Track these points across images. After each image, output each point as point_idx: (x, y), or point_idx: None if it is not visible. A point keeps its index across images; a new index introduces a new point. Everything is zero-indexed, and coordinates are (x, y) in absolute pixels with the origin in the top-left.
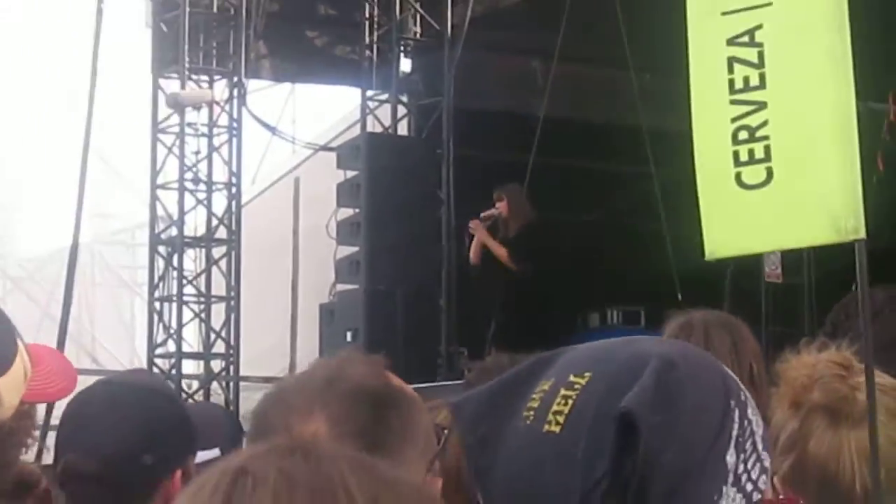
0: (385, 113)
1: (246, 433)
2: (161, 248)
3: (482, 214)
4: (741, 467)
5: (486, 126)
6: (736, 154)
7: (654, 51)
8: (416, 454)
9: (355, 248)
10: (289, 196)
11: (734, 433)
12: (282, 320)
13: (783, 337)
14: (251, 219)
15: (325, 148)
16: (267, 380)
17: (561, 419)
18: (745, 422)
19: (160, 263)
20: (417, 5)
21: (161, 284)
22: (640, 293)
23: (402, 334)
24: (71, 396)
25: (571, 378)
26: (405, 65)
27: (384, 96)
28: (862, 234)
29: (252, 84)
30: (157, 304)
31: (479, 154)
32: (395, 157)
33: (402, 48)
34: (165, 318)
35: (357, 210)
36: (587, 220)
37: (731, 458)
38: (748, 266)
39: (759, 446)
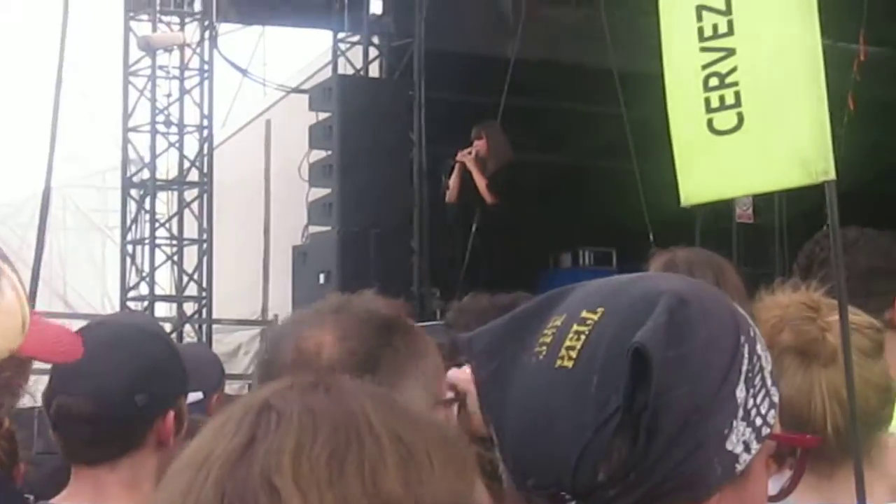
0: (357, 55)
1: (259, 352)
2: (133, 191)
3: (459, 154)
4: (751, 402)
5: (458, 68)
6: (707, 101)
7: None
8: (421, 384)
9: (327, 191)
10: (260, 138)
11: (744, 368)
12: (254, 263)
13: (755, 277)
14: (223, 161)
15: (297, 90)
16: (239, 322)
17: (574, 354)
18: (755, 357)
19: (132, 206)
20: None
21: (133, 227)
22: (612, 234)
23: (374, 276)
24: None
25: (584, 314)
26: (376, 6)
27: (355, 38)
28: (832, 176)
29: (223, 27)
30: (129, 247)
31: (450, 96)
32: (367, 98)
33: None
34: (138, 261)
35: (329, 152)
36: (558, 162)
37: (741, 392)
38: (719, 207)
39: (768, 381)
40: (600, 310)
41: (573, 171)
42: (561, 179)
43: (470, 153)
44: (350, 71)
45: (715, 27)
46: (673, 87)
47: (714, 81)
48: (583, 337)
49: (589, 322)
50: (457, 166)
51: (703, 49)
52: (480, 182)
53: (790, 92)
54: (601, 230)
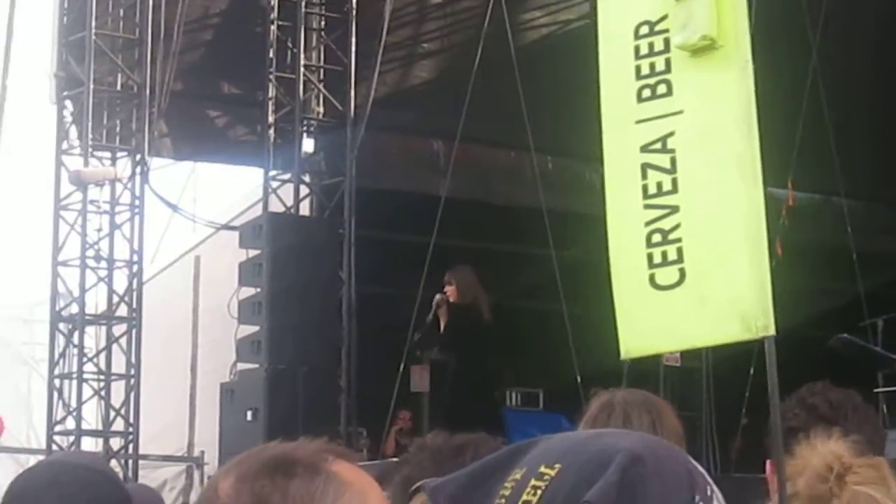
0: (288, 192)
1: None
2: (62, 325)
3: (435, 302)
4: None
5: (389, 206)
6: (650, 256)
7: (556, 134)
8: None
9: (256, 328)
10: (190, 274)
11: None
12: (182, 399)
13: (683, 420)
14: (152, 297)
15: (227, 227)
16: (166, 458)
17: None
18: None
19: (60, 340)
20: (321, 86)
21: (61, 361)
22: (540, 375)
23: (302, 414)
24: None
25: (542, 469)
26: (308, 145)
27: (287, 176)
28: (772, 331)
29: (155, 162)
30: (56, 382)
31: (381, 234)
32: (298, 236)
33: (304, 128)
34: (65, 395)
35: (258, 289)
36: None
37: None
38: None
39: None
40: (557, 465)
41: (502, 310)
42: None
43: (440, 306)
44: (281, 208)
45: (659, 185)
46: (616, 242)
47: (657, 237)
48: (539, 492)
49: (546, 477)
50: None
51: (647, 206)
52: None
53: (732, 249)
54: (529, 371)
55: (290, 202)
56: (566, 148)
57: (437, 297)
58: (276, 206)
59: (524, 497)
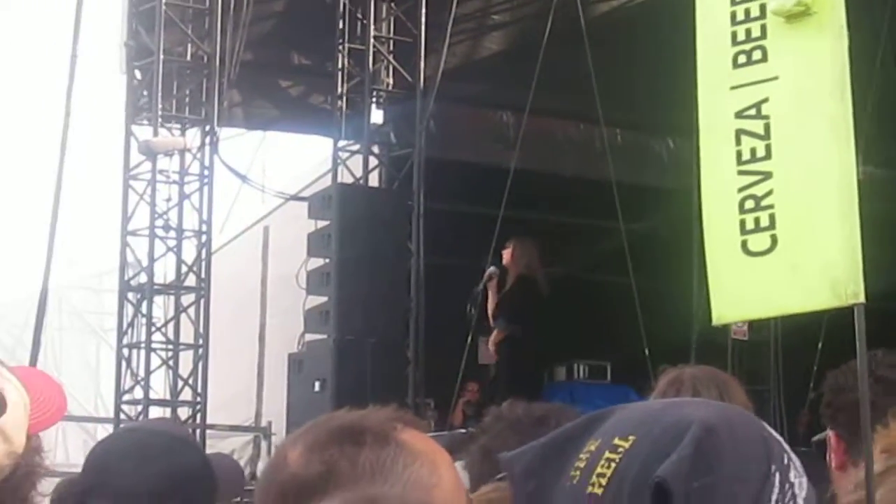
0: (356, 163)
1: None
2: (130, 295)
3: (484, 275)
4: None
5: (457, 178)
6: (742, 222)
7: (625, 106)
8: (396, 495)
9: (324, 298)
10: (258, 245)
11: (774, 497)
12: (249, 369)
13: (751, 394)
14: (220, 267)
15: (296, 197)
16: (233, 428)
17: (603, 482)
18: (787, 486)
19: (129, 310)
20: (391, 57)
21: (129, 331)
22: (608, 347)
23: (370, 385)
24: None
25: (616, 441)
26: (377, 116)
27: (356, 147)
28: (861, 299)
29: (224, 132)
30: (125, 351)
31: (449, 206)
32: (366, 207)
33: (374, 99)
34: (133, 364)
35: (327, 260)
36: (555, 273)
37: None
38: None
39: None
40: (631, 437)
41: (570, 283)
42: (557, 292)
43: (491, 278)
44: (349, 179)
45: (753, 151)
46: (710, 208)
47: (750, 204)
48: (613, 465)
49: (620, 450)
50: (490, 291)
51: (741, 172)
52: (491, 303)
53: (824, 215)
54: (597, 343)
55: (359, 173)
56: (636, 121)
57: (490, 269)
58: (345, 177)
59: (598, 470)
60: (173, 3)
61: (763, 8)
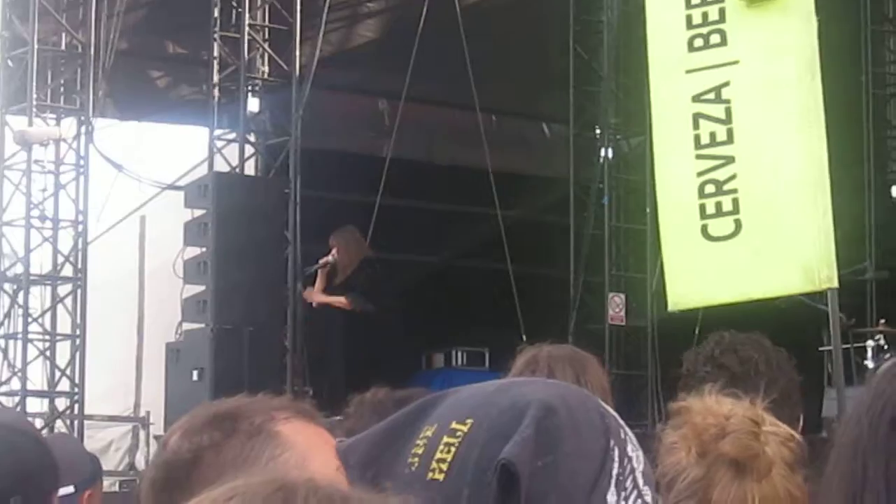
0: (233, 152)
1: None
2: (6, 286)
3: (319, 261)
4: None
5: (334, 166)
6: (702, 207)
7: (501, 93)
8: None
9: (202, 287)
10: (135, 234)
11: (614, 472)
12: (127, 359)
13: (627, 379)
14: (97, 257)
15: (172, 187)
16: (111, 418)
17: (444, 467)
18: (625, 459)
19: (5, 301)
20: (266, 45)
21: (6, 322)
22: (485, 334)
23: (248, 374)
24: None
25: (454, 425)
26: (253, 104)
27: (232, 135)
28: (835, 283)
29: (100, 122)
30: (1, 342)
31: (326, 194)
32: (243, 196)
33: (249, 87)
34: (10, 355)
35: (204, 249)
36: (432, 261)
37: (611, 497)
38: (593, 307)
39: (640, 482)
40: (469, 421)
41: (447, 270)
42: (435, 279)
43: (324, 266)
44: (226, 168)
45: (713, 135)
46: (665, 193)
47: (710, 188)
48: (452, 449)
49: (458, 434)
50: (318, 275)
51: (700, 157)
52: (341, 304)
53: (793, 200)
54: (474, 330)
55: (235, 162)
56: (511, 107)
57: (329, 258)
58: (221, 166)
59: (438, 455)
60: None
61: None
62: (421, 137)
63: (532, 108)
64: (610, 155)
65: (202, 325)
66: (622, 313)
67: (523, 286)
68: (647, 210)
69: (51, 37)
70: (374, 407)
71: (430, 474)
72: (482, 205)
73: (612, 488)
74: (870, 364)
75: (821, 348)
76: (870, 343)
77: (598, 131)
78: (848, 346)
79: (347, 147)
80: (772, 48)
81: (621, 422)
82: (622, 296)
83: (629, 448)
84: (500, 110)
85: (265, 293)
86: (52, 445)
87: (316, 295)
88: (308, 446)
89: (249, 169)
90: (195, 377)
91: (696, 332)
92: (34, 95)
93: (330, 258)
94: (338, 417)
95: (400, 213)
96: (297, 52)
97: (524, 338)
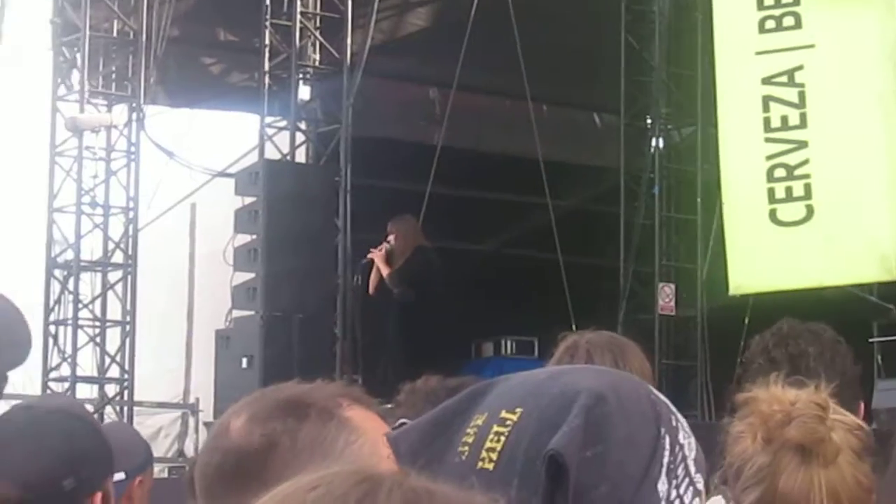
0: (284, 140)
1: None
2: (57, 272)
3: (371, 252)
4: (673, 493)
5: (384, 154)
6: (771, 191)
7: (553, 82)
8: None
9: (252, 275)
10: (186, 222)
11: (665, 460)
12: (177, 346)
13: (677, 369)
14: (147, 244)
15: (223, 174)
16: (161, 405)
17: (494, 456)
18: (677, 447)
19: (56, 287)
20: (317, 33)
21: (56, 308)
22: (535, 323)
23: (297, 361)
24: None
25: (503, 414)
26: (304, 92)
27: (283, 123)
28: None
29: (151, 109)
30: (51, 328)
31: (376, 182)
32: (293, 183)
33: (300, 75)
34: (60, 341)
35: (254, 236)
36: (483, 250)
37: (662, 486)
38: (644, 298)
39: (692, 469)
40: (519, 410)
41: (497, 259)
42: (485, 268)
43: (381, 250)
44: (277, 156)
45: (784, 119)
46: (731, 175)
47: (780, 172)
48: (502, 438)
49: (508, 423)
50: (374, 264)
51: (769, 140)
52: (383, 271)
53: (870, 188)
54: (524, 319)
55: (286, 149)
56: (563, 97)
57: (383, 246)
58: (272, 154)
59: (487, 444)
60: None
61: None
62: (472, 126)
63: (583, 98)
64: (661, 145)
65: (252, 313)
66: (672, 303)
67: (573, 276)
68: (698, 200)
69: (102, 23)
70: (426, 395)
71: (480, 463)
72: (533, 194)
73: (664, 476)
74: None
75: (870, 339)
76: None
77: (649, 121)
78: None
79: (398, 135)
80: (851, 33)
81: (673, 409)
82: (672, 286)
83: (681, 435)
84: (551, 99)
85: (315, 281)
86: (107, 432)
87: (377, 255)
88: (376, 433)
89: (300, 157)
90: (244, 364)
91: (746, 321)
92: (86, 82)
93: (386, 245)
94: (388, 405)
95: (450, 202)
96: (349, 40)
97: (574, 327)
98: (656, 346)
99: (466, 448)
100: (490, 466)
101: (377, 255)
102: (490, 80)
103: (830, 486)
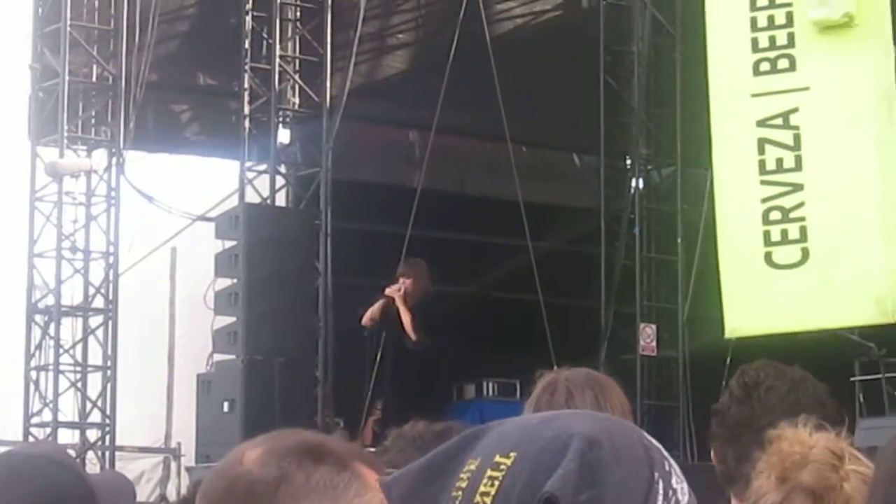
0: (263, 184)
1: None
2: (37, 317)
3: (388, 290)
4: None
5: (364, 197)
6: (766, 234)
7: (532, 124)
8: None
9: (232, 319)
10: (166, 266)
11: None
12: (158, 390)
13: (659, 409)
14: (128, 288)
15: (203, 218)
16: (143, 449)
17: (488, 500)
18: (670, 492)
19: (36, 332)
20: (297, 76)
21: (37, 353)
22: (516, 365)
23: (279, 404)
24: None
25: (497, 458)
26: (283, 136)
27: (262, 167)
28: None
29: (130, 153)
30: (32, 374)
31: (356, 225)
32: (274, 227)
33: (280, 119)
34: (41, 387)
35: (235, 280)
36: (464, 292)
37: None
38: (625, 338)
39: None
40: (513, 454)
41: (478, 301)
42: (466, 310)
43: (399, 290)
44: (257, 199)
45: (779, 162)
46: (726, 218)
47: (776, 215)
48: (496, 483)
49: (502, 467)
50: (383, 299)
51: (764, 182)
52: (407, 320)
53: (864, 230)
54: (505, 361)
55: (265, 193)
56: (541, 139)
57: (394, 287)
58: (252, 197)
59: (481, 489)
60: (78, 25)
61: (790, 16)
62: (452, 168)
63: (562, 139)
64: (640, 185)
65: (233, 357)
66: (653, 343)
67: (554, 317)
68: (679, 240)
69: (82, 68)
70: (414, 440)
71: None
72: (513, 236)
73: None
74: None
75: (852, 378)
76: None
77: (628, 162)
78: (880, 376)
79: (378, 178)
80: (846, 75)
81: (665, 453)
82: (653, 326)
83: (674, 480)
84: (531, 141)
85: (295, 324)
86: (93, 478)
87: (397, 295)
88: (382, 496)
89: (280, 200)
90: (226, 408)
91: (728, 362)
92: (65, 127)
93: (397, 286)
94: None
95: (430, 245)
96: (328, 84)
97: (555, 368)
98: (638, 387)
99: (460, 493)
100: None
101: (398, 297)
102: (469, 123)
103: None
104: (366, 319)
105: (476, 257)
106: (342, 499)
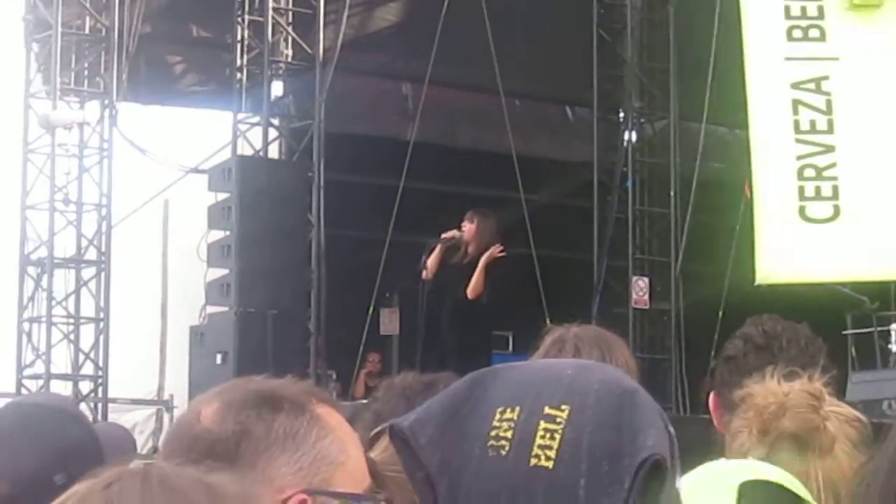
0: (256, 136)
1: None
2: (30, 269)
3: (442, 236)
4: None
5: (357, 150)
6: (801, 189)
7: (525, 77)
8: (292, 468)
9: (225, 271)
10: (159, 218)
11: (676, 453)
12: (151, 342)
13: (651, 363)
14: (121, 240)
15: (196, 170)
16: (135, 401)
17: (551, 454)
18: (673, 439)
19: (29, 284)
20: (289, 28)
21: (30, 305)
22: (509, 318)
23: (271, 357)
24: None
25: (548, 410)
26: (276, 88)
27: (255, 119)
28: None
29: (123, 105)
30: (25, 325)
31: (349, 178)
32: (266, 179)
33: (273, 71)
34: (34, 339)
35: (227, 232)
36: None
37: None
38: (617, 291)
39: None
40: (566, 407)
41: None
42: None
43: (450, 239)
44: (249, 152)
45: (812, 123)
46: (762, 171)
47: (810, 172)
48: (556, 436)
49: (559, 420)
50: (438, 248)
51: (799, 141)
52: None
53: (894, 192)
54: (498, 314)
55: (258, 145)
56: (534, 91)
57: (453, 233)
58: (244, 150)
59: (538, 441)
60: None
61: None
62: (444, 121)
63: (555, 92)
64: (633, 138)
65: (226, 309)
66: (646, 297)
67: (547, 270)
68: (671, 193)
69: (74, 20)
70: (402, 391)
71: (534, 461)
72: (506, 188)
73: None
74: (894, 348)
75: (843, 332)
76: (893, 327)
77: (621, 115)
78: (871, 329)
79: (371, 131)
80: (875, 55)
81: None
82: (646, 279)
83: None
84: (524, 94)
85: (289, 276)
86: (102, 430)
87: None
88: (344, 433)
89: (273, 152)
90: (219, 360)
91: (720, 315)
92: (58, 79)
93: (456, 233)
94: (363, 401)
95: (423, 197)
96: (321, 36)
97: (548, 321)
98: (630, 340)
99: (505, 444)
100: (549, 465)
101: (486, 256)
102: (462, 75)
103: (827, 476)
104: (426, 275)
105: (468, 210)
106: (302, 445)
